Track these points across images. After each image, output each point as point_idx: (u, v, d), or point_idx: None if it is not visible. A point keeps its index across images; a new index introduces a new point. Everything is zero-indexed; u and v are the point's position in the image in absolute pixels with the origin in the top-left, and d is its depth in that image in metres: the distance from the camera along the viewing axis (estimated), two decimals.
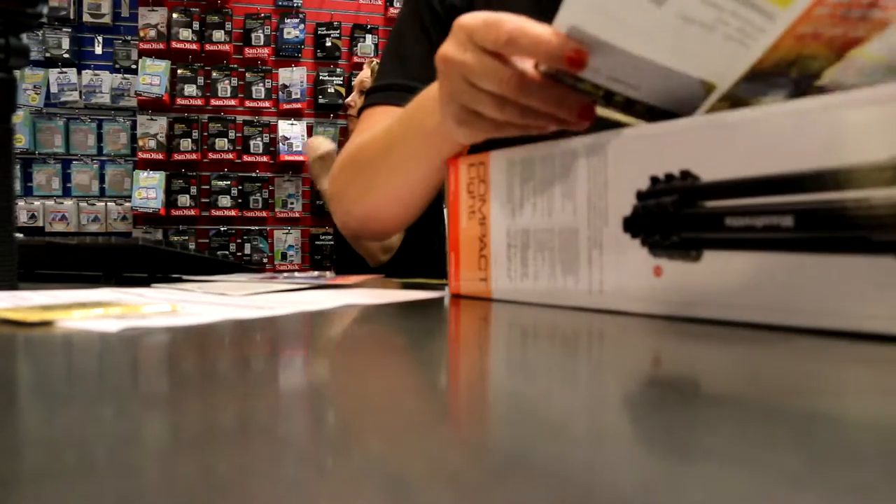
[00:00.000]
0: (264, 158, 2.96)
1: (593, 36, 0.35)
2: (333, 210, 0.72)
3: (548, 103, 0.39)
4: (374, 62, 1.89)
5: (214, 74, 2.91)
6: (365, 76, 1.87)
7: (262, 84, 2.95)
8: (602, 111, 0.41)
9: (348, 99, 1.90)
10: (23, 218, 2.77)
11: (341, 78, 3.02)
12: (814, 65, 0.34)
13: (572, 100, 0.39)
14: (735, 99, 0.37)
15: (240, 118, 2.96)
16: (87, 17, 2.87)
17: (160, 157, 2.86)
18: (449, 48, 0.42)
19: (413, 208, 0.63)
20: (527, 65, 0.39)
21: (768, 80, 0.35)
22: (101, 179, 2.93)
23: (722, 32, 0.33)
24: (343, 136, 2.83)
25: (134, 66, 2.88)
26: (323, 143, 1.82)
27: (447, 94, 0.43)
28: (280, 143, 2.95)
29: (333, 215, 0.72)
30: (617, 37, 0.35)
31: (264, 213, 2.97)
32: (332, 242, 2.73)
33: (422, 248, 1.69)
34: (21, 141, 2.78)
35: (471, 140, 0.45)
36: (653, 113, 0.39)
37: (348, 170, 0.67)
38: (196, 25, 2.90)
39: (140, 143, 2.86)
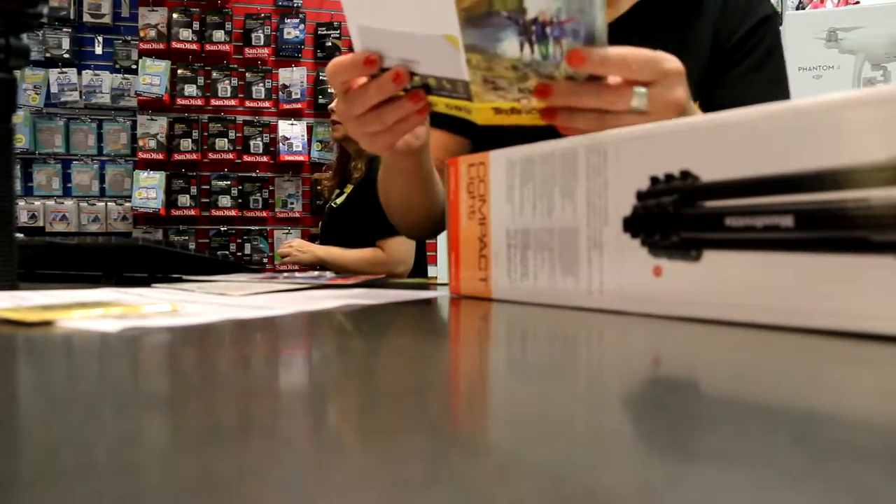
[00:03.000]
0: (264, 158, 2.97)
1: (371, 27, 0.44)
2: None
3: (392, 103, 0.49)
4: None
5: (214, 74, 2.91)
6: None
7: (262, 84, 2.95)
8: (436, 100, 0.48)
9: (331, 105, 1.91)
10: (23, 218, 2.78)
11: None
12: (510, 2, 0.39)
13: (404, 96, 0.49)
14: (483, 52, 0.42)
15: (240, 118, 2.96)
16: (87, 18, 2.87)
17: (160, 157, 2.86)
18: (338, 107, 0.57)
19: (421, 209, 0.77)
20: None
21: (489, 23, 0.41)
22: (102, 179, 2.93)
23: None
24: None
25: (134, 67, 2.88)
26: (302, 252, 1.86)
27: (355, 135, 0.55)
28: (280, 144, 2.95)
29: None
30: (380, 20, 0.43)
31: (264, 213, 2.97)
32: None
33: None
34: (21, 141, 2.78)
35: (382, 148, 0.56)
36: (446, 87, 0.46)
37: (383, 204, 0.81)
38: (196, 25, 2.90)
39: (140, 143, 2.86)
